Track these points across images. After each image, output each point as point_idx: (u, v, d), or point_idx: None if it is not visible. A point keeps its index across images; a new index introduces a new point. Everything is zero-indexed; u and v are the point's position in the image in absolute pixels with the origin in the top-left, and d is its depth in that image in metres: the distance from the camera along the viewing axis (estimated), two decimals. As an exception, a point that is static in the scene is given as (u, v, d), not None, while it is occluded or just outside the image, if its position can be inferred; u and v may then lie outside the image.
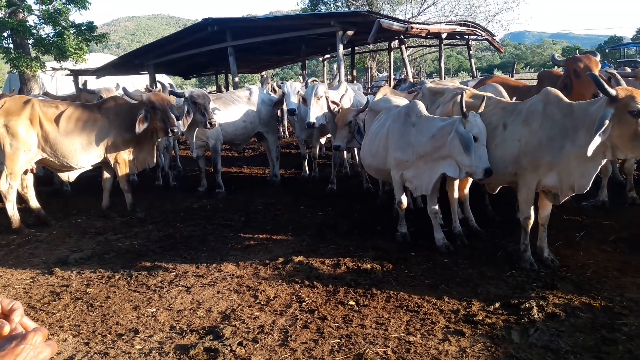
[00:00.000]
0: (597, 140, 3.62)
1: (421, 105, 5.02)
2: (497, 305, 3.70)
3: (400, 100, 6.11)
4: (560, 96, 4.19)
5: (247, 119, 8.20)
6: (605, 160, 4.17)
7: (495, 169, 4.30)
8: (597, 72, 5.31)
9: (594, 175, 4.01)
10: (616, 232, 5.07)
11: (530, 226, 4.43)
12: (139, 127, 6.26)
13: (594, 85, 4.60)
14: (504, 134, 4.39)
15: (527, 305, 3.59)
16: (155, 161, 7.03)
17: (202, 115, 7.02)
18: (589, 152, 3.64)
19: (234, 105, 8.12)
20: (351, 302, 3.89)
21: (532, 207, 4.40)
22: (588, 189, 4.06)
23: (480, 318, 3.51)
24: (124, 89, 6.78)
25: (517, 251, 4.53)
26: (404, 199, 5.25)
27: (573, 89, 5.43)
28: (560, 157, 4.04)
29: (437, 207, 4.96)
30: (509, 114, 4.42)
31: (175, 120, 6.46)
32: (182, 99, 7.27)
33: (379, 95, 6.90)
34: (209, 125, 7.01)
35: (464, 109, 4.36)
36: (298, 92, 8.00)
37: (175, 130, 6.52)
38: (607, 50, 48.60)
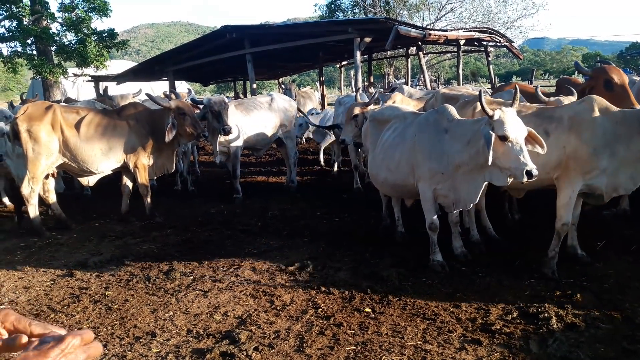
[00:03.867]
0: None
1: (452, 109, 4.54)
2: (515, 314, 3.66)
3: (409, 107, 5.91)
4: (607, 103, 4.26)
5: (268, 124, 8.27)
6: None
7: None
8: (626, 85, 5.32)
9: None
10: (638, 242, 4.98)
11: (565, 233, 4.40)
12: (169, 136, 6.38)
13: (629, 100, 4.76)
14: (547, 141, 4.20)
15: (546, 314, 3.54)
16: (174, 166, 7.11)
17: (217, 122, 7.10)
18: None
19: (255, 111, 8.20)
20: (367, 309, 3.87)
21: (571, 213, 4.36)
22: (634, 189, 4.21)
23: (498, 327, 3.47)
24: (149, 95, 6.89)
25: (545, 257, 4.43)
26: (437, 221, 4.65)
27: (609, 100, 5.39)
28: (614, 162, 4.10)
29: (457, 216, 4.85)
30: (547, 120, 4.37)
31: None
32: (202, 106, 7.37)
33: (389, 102, 6.86)
34: (222, 132, 7.09)
35: (486, 109, 3.95)
36: None
37: (207, 134, 6.60)
38: (628, 57, 47.82)
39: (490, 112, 3.91)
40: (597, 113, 4.18)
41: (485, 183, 4.26)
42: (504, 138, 3.83)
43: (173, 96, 7.94)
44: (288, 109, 8.61)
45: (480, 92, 4.23)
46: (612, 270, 4.38)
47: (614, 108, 4.23)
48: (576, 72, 6.66)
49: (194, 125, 6.52)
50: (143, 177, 6.71)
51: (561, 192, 4.36)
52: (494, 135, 3.84)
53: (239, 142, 7.89)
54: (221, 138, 7.51)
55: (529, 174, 3.72)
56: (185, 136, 6.64)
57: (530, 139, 3.99)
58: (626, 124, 4.07)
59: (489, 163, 3.87)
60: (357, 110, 6.44)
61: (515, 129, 3.84)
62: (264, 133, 8.23)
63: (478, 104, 5.02)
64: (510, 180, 4.01)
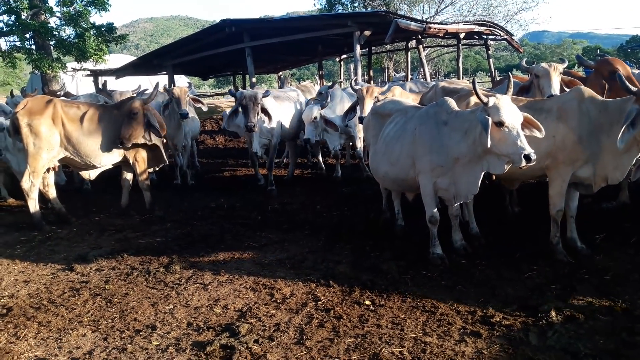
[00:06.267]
0: (625, 132, 3.87)
1: (451, 101, 4.53)
2: (514, 306, 3.67)
3: (409, 101, 5.93)
4: (593, 94, 4.38)
5: (295, 117, 8.42)
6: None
7: None
8: (631, 75, 5.35)
9: (629, 168, 4.21)
10: (637, 234, 4.98)
11: (560, 218, 4.53)
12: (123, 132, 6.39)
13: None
14: None
15: (546, 307, 3.55)
16: (166, 160, 7.05)
17: (244, 117, 7.20)
18: (618, 144, 3.88)
19: (288, 102, 8.37)
20: (367, 302, 3.88)
21: (564, 200, 4.51)
22: (622, 180, 4.32)
23: (498, 319, 3.48)
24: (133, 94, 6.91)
25: (550, 245, 4.57)
26: (437, 214, 4.63)
27: (612, 91, 5.36)
28: (597, 151, 4.22)
29: (458, 209, 4.81)
30: (537, 112, 4.43)
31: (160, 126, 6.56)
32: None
33: (389, 95, 6.93)
34: (246, 129, 7.16)
35: (481, 96, 3.97)
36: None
37: (155, 138, 6.54)
38: (628, 50, 47.64)
39: (485, 100, 3.96)
40: (583, 102, 4.31)
41: (483, 173, 4.29)
42: (500, 124, 3.86)
43: (175, 89, 7.95)
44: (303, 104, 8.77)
45: (474, 80, 4.35)
46: (611, 262, 4.38)
47: (599, 97, 4.37)
48: (576, 65, 6.65)
49: (144, 126, 6.44)
50: (143, 171, 6.71)
51: (552, 182, 4.52)
52: (490, 119, 3.86)
53: (278, 135, 7.96)
54: (263, 129, 7.51)
55: (528, 157, 3.72)
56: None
57: (527, 124, 4.04)
58: (608, 113, 4.19)
59: (488, 146, 3.87)
60: (377, 92, 7.10)
61: (511, 114, 3.89)
62: (293, 126, 8.38)
63: (471, 98, 5.05)
64: (507, 167, 4.03)
